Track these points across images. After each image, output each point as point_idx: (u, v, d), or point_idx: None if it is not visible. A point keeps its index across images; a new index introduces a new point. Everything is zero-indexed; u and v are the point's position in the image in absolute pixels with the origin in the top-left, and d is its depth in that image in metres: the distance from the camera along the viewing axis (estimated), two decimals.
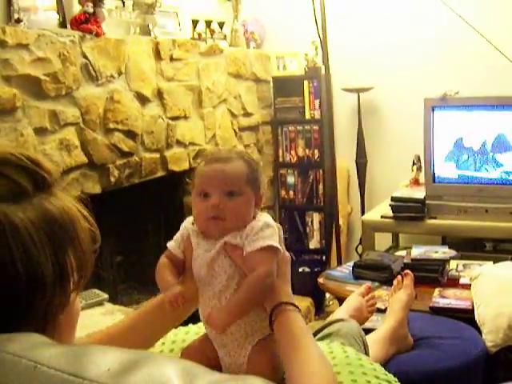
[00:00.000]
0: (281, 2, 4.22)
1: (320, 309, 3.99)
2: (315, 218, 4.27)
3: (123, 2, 3.12)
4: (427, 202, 3.40)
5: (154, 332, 1.27)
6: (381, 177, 4.15)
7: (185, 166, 3.40)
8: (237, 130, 3.89)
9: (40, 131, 2.49)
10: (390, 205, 3.48)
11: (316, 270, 3.90)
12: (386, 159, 4.12)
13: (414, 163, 3.75)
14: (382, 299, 2.59)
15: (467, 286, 2.68)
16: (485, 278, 2.60)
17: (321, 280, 3.04)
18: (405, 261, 3.01)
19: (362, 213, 4.02)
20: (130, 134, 2.97)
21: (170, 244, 1.21)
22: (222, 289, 1.13)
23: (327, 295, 3.95)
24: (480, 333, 2.37)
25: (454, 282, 2.83)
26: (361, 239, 3.87)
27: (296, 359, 1.00)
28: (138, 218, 3.39)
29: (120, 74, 2.89)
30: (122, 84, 2.91)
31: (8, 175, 0.77)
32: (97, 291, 2.68)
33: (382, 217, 3.53)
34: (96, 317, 2.49)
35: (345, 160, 4.17)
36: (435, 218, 3.39)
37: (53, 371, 0.66)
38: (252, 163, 1.19)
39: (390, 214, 3.48)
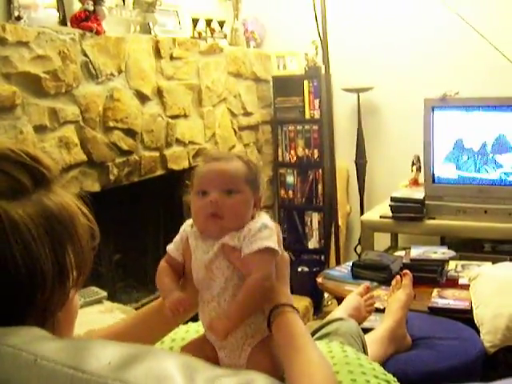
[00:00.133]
0: (281, 2, 4.22)
1: (318, 309, 3.99)
2: (314, 218, 4.27)
3: (123, 0, 3.12)
4: (426, 202, 3.40)
5: (153, 334, 1.27)
6: (380, 177, 4.15)
7: (184, 164, 3.40)
8: (236, 129, 3.89)
9: (39, 129, 2.49)
10: (389, 205, 3.48)
11: (315, 269, 3.89)
12: (386, 159, 4.12)
13: (413, 163, 3.75)
14: (381, 299, 2.59)
15: (466, 287, 2.69)
16: (484, 278, 2.60)
17: (319, 280, 3.04)
18: (404, 261, 3.01)
19: (362, 213, 4.02)
20: (130, 133, 2.97)
21: (170, 247, 1.21)
22: (220, 291, 1.13)
23: (326, 295, 3.95)
24: (478, 333, 2.37)
25: (452, 283, 2.83)
26: (360, 239, 3.87)
27: (295, 360, 1.00)
28: (137, 216, 3.39)
29: (120, 72, 2.89)
30: (121, 82, 2.91)
31: (7, 171, 0.77)
32: (96, 289, 2.67)
33: (381, 217, 3.53)
34: (95, 315, 2.49)
35: (344, 160, 4.17)
36: (434, 218, 3.39)
37: (53, 364, 0.66)
38: (251, 164, 1.19)
39: (389, 214, 3.48)
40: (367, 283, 2.44)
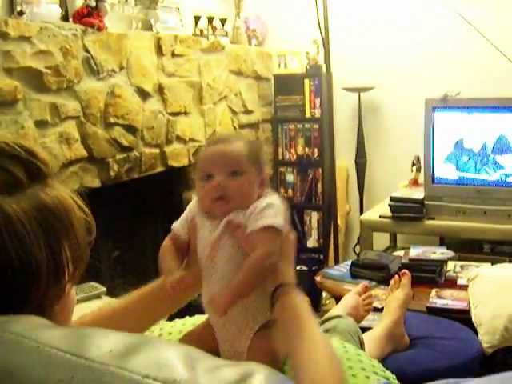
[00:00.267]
0: (283, 0, 4.22)
1: (317, 307, 3.99)
2: (314, 217, 4.28)
3: None
4: (426, 202, 3.40)
5: (153, 315, 1.25)
6: (380, 177, 4.15)
7: (184, 161, 3.40)
8: (237, 127, 3.89)
9: (40, 124, 2.49)
10: (388, 205, 3.48)
11: (313, 268, 3.89)
12: (386, 159, 4.12)
13: (413, 164, 3.75)
14: (379, 298, 2.60)
15: (464, 287, 2.69)
16: (482, 279, 2.60)
17: (318, 278, 3.04)
18: (402, 261, 3.01)
19: (361, 212, 4.02)
20: (130, 129, 2.97)
21: (175, 225, 1.20)
22: (223, 270, 1.12)
23: (324, 294, 3.95)
24: (476, 334, 2.37)
25: (451, 283, 2.84)
26: (359, 239, 3.87)
27: (300, 345, 0.98)
28: (136, 212, 3.39)
29: (121, 68, 2.89)
30: (123, 79, 2.91)
31: (2, 166, 0.77)
32: (95, 284, 2.68)
33: (380, 216, 3.53)
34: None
35: (344, 159, 4.17)
36: (434, 218, 3.40)
37: (55, 351, 0.66)
38: (253, 143, 1.18)
39: (389, 213, 3.48)
40: (365, 282, 2.44)
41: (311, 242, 4.29)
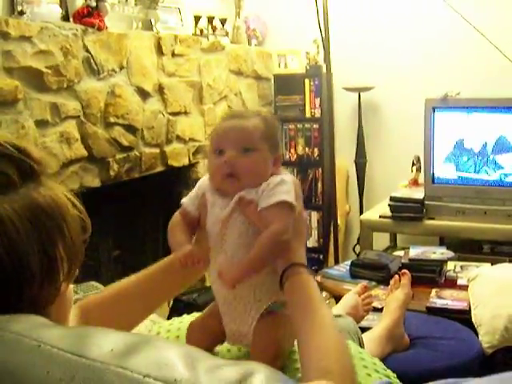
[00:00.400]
0: (283, 0, 4.22)
1: None
2: (313, 217, 4.28)
3: None
4: (426, 202, 3.40)
5: (162, 292, 1.25)
6: (380, 177, 4.15)
7: (184, 161, 3.40)
8: None
9: (41, 124, 2.49)
10: (388, 205, 3.48)
11: (313, 268, 3.90)
12: (386, 159, 4.13)
13: (413, 164, 3.75)
14: (379, 298, 2.60)
15: (464, 287, 2.69)
16: (482, 279, 2.60)
17: (318, 278, 3.04)
18: (402, 261, 3.01)
19: (361, 212, 4.02)
20: (131, 129, 2.97)
21: (185, 201, 1.18)
22: (234, 247, 1.10)
23: (324, 294, 3.95)
24: (476, 334, 2.38)
25: (451, 283, 2.84)
26: (359, 238, 3.87)
27: (309, 326, 0.97)
28: (136, 212, 3.39)
29: (121, 68, 2.89)
30: (123, 78, 2.91)
31: None
32: (95, 283, 2.67)
33: (380, 216, 3.53)
34: None
35: (344, 159, 4.17)
36: (434, 218, 3.40)
37: (56, 350, 0.66)
38: (269, 120, 1.16)
39: (389, 213, 3.48)
40: (365, 282, 2.44)
41: (311, 242, 4.29)
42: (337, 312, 1.98)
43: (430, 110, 3.35)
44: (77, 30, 2.63)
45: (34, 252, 0.75)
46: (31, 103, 2.44)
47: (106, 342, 0.68)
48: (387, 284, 2.46)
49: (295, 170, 4.26)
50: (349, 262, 3.10)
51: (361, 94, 3.99)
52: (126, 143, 2.94)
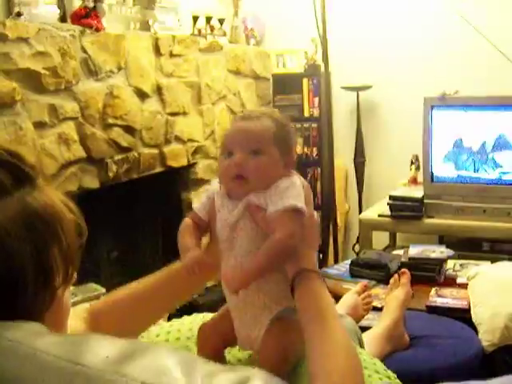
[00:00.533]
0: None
1: None
2: None
3: None
4: (425, 201, 3.40)
5: (170, 299, 1.24)
6: (379, 175, 4.15)
7: (183, 162, 3.40)
8: None
9: (39, 125, 2.49)
10: (387, 203, 3.48)
11: None
12: (385, 158, 4.12)
13: (412, 162, 3.75)
14: (379, 298, 2.59)
15: (464, 286, 2.69)
16: (482, 277, 2.60)
17: None
18: (402, 260, 3.00)
19: (360, 211, 4.02)
20: (129, 130, 2.97)
21: (196, 206, 1.17)
22: (243, 252, 1.09)
23: None
24: (476, 332, 2.37)
25: (451, 282, 2.84)
26: (358, 238, 3.87)
27: (318, 335, 0.95)
28: (135, 213, 3.39)
29: (119, 69, 2.89)
30: (121, 79, 2.91)
31: None
32: (94, 285, 2.68)
33: (379, 215, 3.53)
34: None
35: (343, 158, 4.17)
36: (433, 217, 3.40)
37: (51, 357, 0.66)
38: (281, 122, 1.14)
39: (388, 212, 3.48)
40: (365, 282, 2.44)
41: None
42: None
43: (429, 108, 3.35)
44: (74, 31, 2.63)
45: (27, 257, 0.74)
46: (29, 105, 2.44)
47: (101, 349, 0.68)
48: (387, 283, 2.46)
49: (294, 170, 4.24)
50: (348, 262, 3.09)
51: (359, 93, 3.99)
52: (124, 144, 2.94)
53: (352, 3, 4.01)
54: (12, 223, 0.74)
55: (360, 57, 4.03)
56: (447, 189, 3.39)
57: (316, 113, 4.14)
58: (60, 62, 2.55)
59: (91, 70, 2.73)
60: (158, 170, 3.23)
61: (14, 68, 2.36)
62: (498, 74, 3.58)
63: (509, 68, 3.52)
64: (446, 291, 2.70)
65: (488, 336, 2.33)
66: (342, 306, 2.11)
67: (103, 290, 2.68)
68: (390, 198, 3.49)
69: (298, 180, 1.12)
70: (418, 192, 3.46)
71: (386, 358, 2.07)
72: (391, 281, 2.37)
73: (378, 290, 2.73)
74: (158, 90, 3.16)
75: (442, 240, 3.64)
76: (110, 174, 2.87)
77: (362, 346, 1.65)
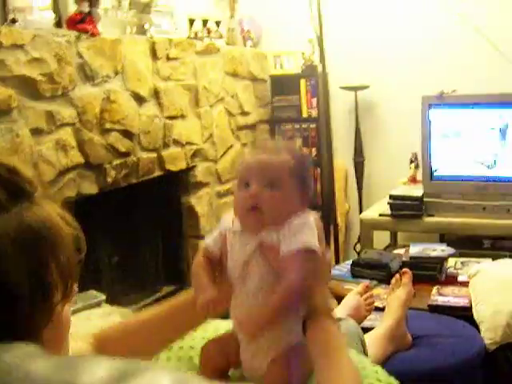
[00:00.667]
0: (277, 1, 4.21)
1: None
2: None
3: (119, 2, 3.11)
4: (425, 199, 3.39)
5: (179, 329, 1.23)
6: (378, 175, 4.15)
7: (182, 165, 3.39)
8: (234, 128, 3.89)
9: (36, 132, 2.48)
10: (388, 203, 3.48)
11: None
12: (384, 157, 4.12)
13: (411, 161, 3.75)
14: (380, 298, 2.59)
15: (465, 284, 2.68)
16: (483, 275, 2.60)
17: None
18: (403, 259, 3.00)
19: (360, 211, 4.02)
20: (127, 134, 2.96)
21: (208, 242, 1.16)
22: (255, 290, 1.08)
23: None
24: (478, 330, 2.37)
25: (452, 280, 2.83)
26: (359, 237, 3.86)
27: (326, 374, 0.96)
28: (135, 218, 3.38)
29: (116, 73, 2.88)
30: (118, 84, 2.91)
31: None
32: (94, 292, 2.66)
33: (380, 215, 3.53)
34: (93, 318, 2.48)
35: (342, 158, 4.17)
36: (433, 215, 3.39)
37: (45, 381, 0.65)
38: (300, 157, 1.14)
39: (388, 211, 3.47)
40: (366, 282, 2.44)
41: None
42: (339, 313, 1.98)
43: (427, 107, 3.35)
44: (70, 36, 2.63)
45: (24, 275, 0.73)
46: (26, 111, 2.43)
47: (97, 369, 0.67)
48: (388, 283, 2.45)
49: None
50: (349, 262, 3.09)
51: (357, 92, 3.98)
52: (122, 149, 2.93)
53: (349, 3, 4.01)
54: (8, 239, 0.72)
55: (357, 56, 4.03)
56: (447, 187, 3.38)
57: (314, 113, 4.14)
58: (56, 68, 2.54)
59: (88, 75, 2.73)
60: (157, 174, 3.22)
61: (9, 75, 2.35)
62: (496, 72, 3.58)
63: (506, 66, 3.51)
64: (448, 289, 2.69)
65: (490, 334, 2.33)
66: (344, 307, 2.10)
67: (103, 297, 2.67)
68: (390, 197, 3.49)
69: (311, 218, 1.10)
70: (417, 191, 3.46)
71: (389, 358, 2.07)
72: (393, 281, 2.37)
73: (380, 290, 2.72)
74: (156, 93, 3.16)
75: (442, 238, 3.64)
76: (109, 180, 2.86)
77: (364, 347, 1.65)
